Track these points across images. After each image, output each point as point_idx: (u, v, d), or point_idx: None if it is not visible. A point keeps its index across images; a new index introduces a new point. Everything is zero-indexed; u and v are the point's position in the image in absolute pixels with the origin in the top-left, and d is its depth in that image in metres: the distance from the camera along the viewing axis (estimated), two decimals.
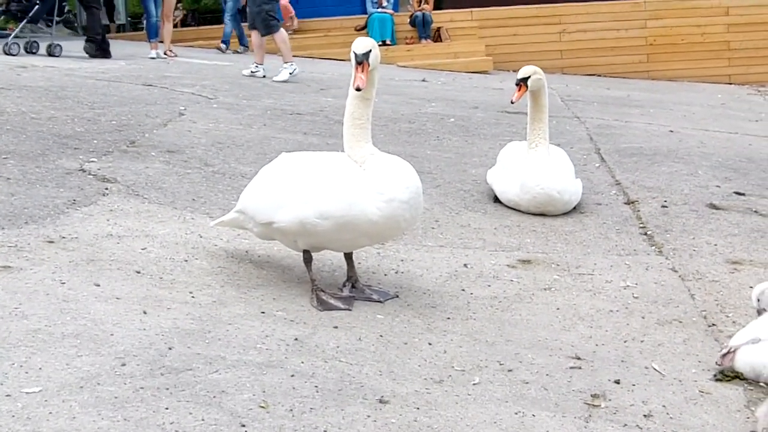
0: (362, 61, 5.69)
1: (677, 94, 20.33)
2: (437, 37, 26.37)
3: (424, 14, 26.11)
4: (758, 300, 5.96)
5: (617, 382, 5.28)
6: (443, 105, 14.49)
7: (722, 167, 11.13)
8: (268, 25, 16.62)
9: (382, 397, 4.76)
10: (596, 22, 25.79)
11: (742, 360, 5.56)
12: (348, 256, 6.24)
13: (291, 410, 4.50)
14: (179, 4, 27.37)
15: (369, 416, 4.55)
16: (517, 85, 8.55)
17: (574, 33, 25.84)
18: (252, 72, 16.80)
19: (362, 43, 5.77)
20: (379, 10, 26.14)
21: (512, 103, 8.74)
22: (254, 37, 17.11)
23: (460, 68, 23.81)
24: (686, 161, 11.25)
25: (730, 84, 24.59)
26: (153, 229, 6.96)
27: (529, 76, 8.49)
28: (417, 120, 12.56)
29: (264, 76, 16.74)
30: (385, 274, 6.63)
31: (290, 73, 16.51)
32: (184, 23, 27.00)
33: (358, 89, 5.69)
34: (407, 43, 26.28)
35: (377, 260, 6.87)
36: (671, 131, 13.66)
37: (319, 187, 5.73)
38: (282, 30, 16.74)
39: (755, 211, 9.18)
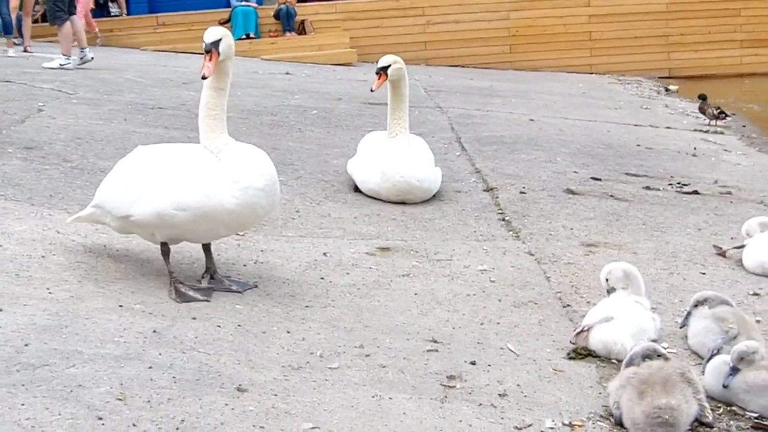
0: (210, 49, 5.72)
1: (540, 83, 20.64)
2: (301, 30, 26.35)
3: (288, 7, 26.06)
4: (607, 280, 6.13)
5: (473, 363, 5.39)
6: (306, 97, 14.52)
7: (580, 154, 11.37)
8: (54, 15, 17.04)
9: (240, 385, 4.79)
10: (460, 14, 26.01)
11: (594, 338, 5.71)
12: (206, 248, 6.24)
13: (149, 401, 4.51)
14: None
15: (227, 404, 4.58)
16: (377, 73, 8.61)
17: (438, 24, 26.05)
18: (61, 65, 16.60)
19: (212, 32, 5.79)
20: (243, 3, 26.04)
21: (372, 91, 8.80)
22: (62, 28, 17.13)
23: (325, 60, 23.83)
24: (545, 149, 11.46)
25: (592, 74, 25.03)
26: (9, 226, 6.85)
27: (389, 65, 8.56)
28: (280, 112, 12.57)
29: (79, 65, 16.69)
30: (245, 265, 6.64)
31: (61, 64, 16.47)
32: (44, 18, 26.44)
33: (203, 77, 5.72)
34: (271, 36, 26.22)
35: (237, 251, 6.88)
36: (532, 120, 13.88)
37: (175, 179, 5.74)
38: (67, 24, 16.77)
39: (611, 196, 9.41)
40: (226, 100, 5.91)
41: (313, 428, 4.48)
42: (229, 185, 5.69)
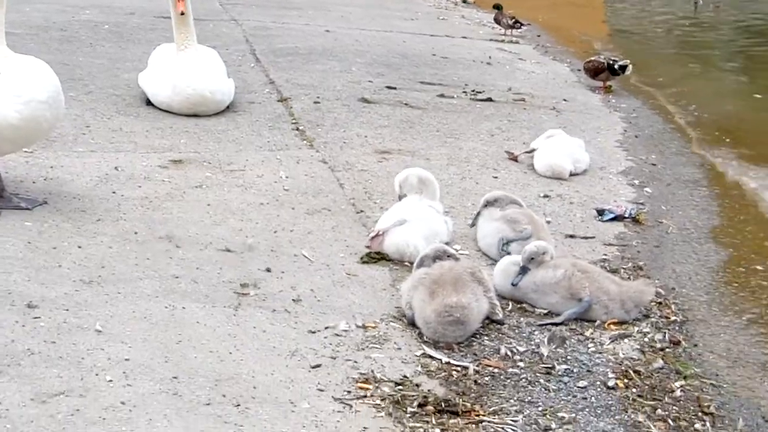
0: None
1: None
2: None
3: None
4: (400, 186, 6.22)
5: (267, 270, 5.46)
6: (98, 12, 14.13)
7: (376, 64, 11.42)
8: None
9: (31, 302, 4.76)
10: None
11: (388, 241, 5.82)
12: None
13: None
14: None
15: (17, 322, 4.55)
16: None
17: None
18: None
19: None
20: None
21: (182, 14, 8.46)
22: None
23: None
24: (340, 59, 11.47)
25: None
26: None
27: None
28: (70, 28, 12.22)
29: None
30: (34, 182, 6.51)
31: None
32: None
33: None
34: None
35: (25, 169, 6.73)
36: (328, 31, 13.83)
37: None
38: None
39: (405, 104, 9.52)
40: (3, 12, 5.75)
41: (105, 341, 4.47)
42: (10, 99, 5.57)
